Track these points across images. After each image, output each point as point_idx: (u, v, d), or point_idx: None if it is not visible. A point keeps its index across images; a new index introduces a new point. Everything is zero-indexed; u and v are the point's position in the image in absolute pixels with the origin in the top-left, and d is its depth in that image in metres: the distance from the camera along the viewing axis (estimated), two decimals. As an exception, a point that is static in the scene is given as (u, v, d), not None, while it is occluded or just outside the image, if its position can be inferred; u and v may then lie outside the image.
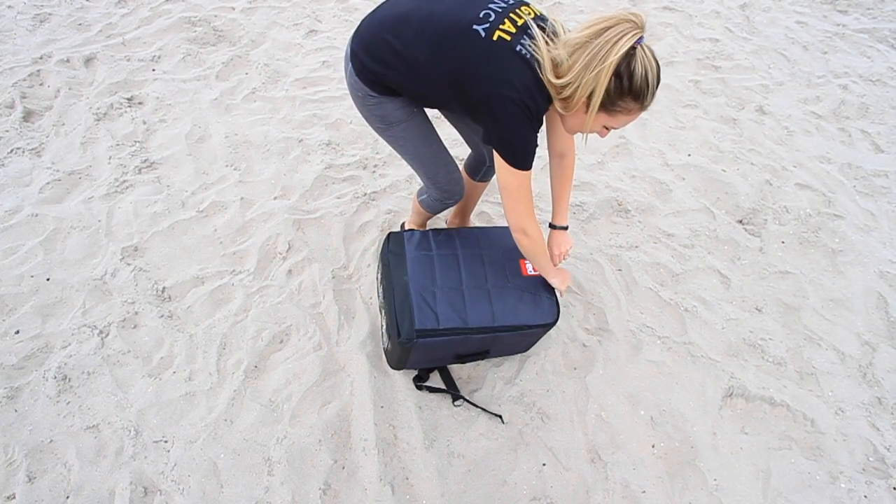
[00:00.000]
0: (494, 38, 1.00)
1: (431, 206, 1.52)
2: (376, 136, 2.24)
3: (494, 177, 1.55)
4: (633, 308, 1.73)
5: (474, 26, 1.01)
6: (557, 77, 0.96)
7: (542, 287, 1.41)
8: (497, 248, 1.47)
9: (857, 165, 2.30)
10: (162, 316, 1.60)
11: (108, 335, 1.54)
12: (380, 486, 1.30)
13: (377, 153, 2.19)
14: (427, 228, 1.67)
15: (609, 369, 1.57)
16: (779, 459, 1.41)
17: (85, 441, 1.34)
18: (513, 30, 1.01)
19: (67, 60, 2.41)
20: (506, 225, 1.56)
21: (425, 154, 1.34)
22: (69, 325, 1.55)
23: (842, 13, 3.29)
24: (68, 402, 1.40)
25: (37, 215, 1.82)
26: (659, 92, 2.59)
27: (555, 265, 1.42)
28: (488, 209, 2.02)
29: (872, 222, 2.07)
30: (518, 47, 1.00)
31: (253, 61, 2.57)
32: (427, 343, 1.30)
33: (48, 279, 1.65)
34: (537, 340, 1.53)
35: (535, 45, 0.98)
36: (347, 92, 2.47)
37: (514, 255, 1.46)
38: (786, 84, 2.73)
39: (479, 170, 1.56)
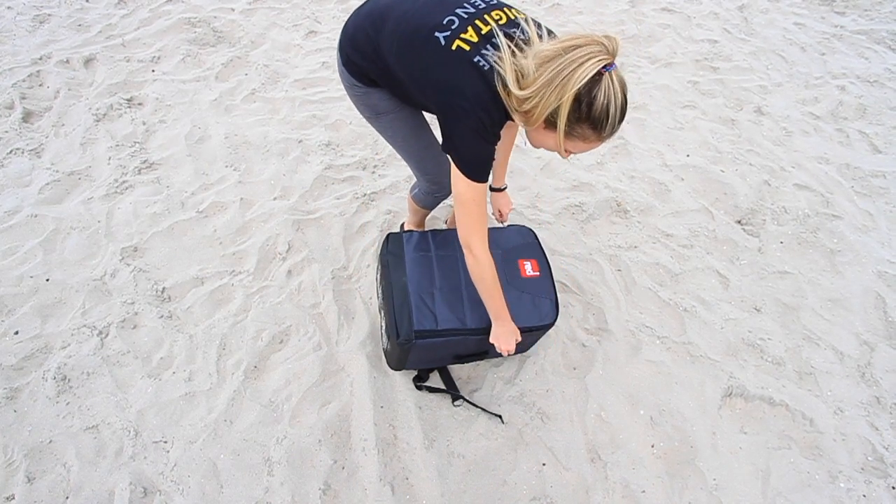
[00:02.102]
0: (453, 47, 0.97)
1: (423, 200, 1.53)
2: (376, 136, 2.25)
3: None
4: (633, 308, 1.74)
5: (436, 33, 0.99)
6: (521, 89, 0.90)
7: (541, 288, 1.42)
8: (496, 250, 1.47)
9: (854, 166, 2.31)
10: (162, 316, 1.60)
11: (107, 336, 1.54)
12: (380, 486, 1.30)
13: (377, 154, 2.20)
14: (426, 229, 1.67)
15: (608, 369, 1.57)
16: (778, 459, 1.41)
17: (84, 441, 1.34)
18: (474, 39, 0.97)
19: (67, 61, 2.42)
20: (502, 226, 1.56)
21: (414, 145, 1.34)
22: (69, 325, 1.55)
23: (839, 14, 3.30)
24: (68, 403, 1.40)
25: (36, 216, 1.82)
26: (640, 109, 2.60)
27: (501, 222, 1.49)
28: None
29: (870, 222, 2.08)
30: (476, 58, 0.96)
31: (252, 62, 2.57)
32: (426, 344, 1.30)
33: (48, 280, 1.65)
34: (536, 341, 1.53)
35: (497, 56, 0.93)
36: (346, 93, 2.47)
37: (512, 257, 1.46)
38: (784, 85, 2.74)
39: None
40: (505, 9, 1.04)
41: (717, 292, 1.81)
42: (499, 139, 1.06)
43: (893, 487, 1.37)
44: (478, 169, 1.03)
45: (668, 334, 1.67)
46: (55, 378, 1.43)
